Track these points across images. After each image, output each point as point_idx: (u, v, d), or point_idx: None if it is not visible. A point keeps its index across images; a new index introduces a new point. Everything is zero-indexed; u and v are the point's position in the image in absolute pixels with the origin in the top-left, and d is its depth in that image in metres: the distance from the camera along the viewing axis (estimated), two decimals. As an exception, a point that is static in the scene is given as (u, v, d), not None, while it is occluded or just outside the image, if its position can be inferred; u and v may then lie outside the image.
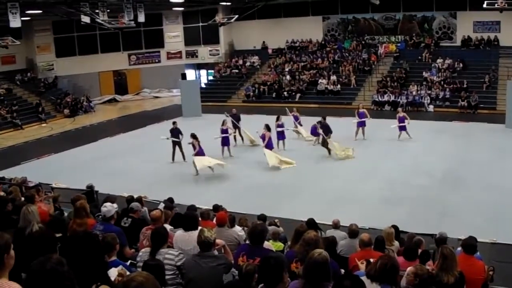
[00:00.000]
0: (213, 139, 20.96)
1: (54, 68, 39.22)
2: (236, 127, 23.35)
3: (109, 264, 5.28)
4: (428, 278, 5.75)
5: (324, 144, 21.19)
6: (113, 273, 4.77)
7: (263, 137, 20.24)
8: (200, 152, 18.99)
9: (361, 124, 23.39)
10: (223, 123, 21.86)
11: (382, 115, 29.47)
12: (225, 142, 21.57)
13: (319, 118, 22.25)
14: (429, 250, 8.53)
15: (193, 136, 19.16)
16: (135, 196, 12.24)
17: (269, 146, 20.12)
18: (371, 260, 5.93)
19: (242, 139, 23.64)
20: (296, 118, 24.35)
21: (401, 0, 36.39)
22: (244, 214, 12.54)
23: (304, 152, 21.77)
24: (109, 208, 7.65)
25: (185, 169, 19.75)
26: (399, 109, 23.65)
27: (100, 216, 8.11)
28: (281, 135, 22.22)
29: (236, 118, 23.89)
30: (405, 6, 36.46)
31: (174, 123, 21.49)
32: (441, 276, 5.93)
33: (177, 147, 20.81)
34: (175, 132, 20.95)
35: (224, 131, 21.51)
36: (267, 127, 20.47)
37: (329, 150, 21.01)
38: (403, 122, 22.73)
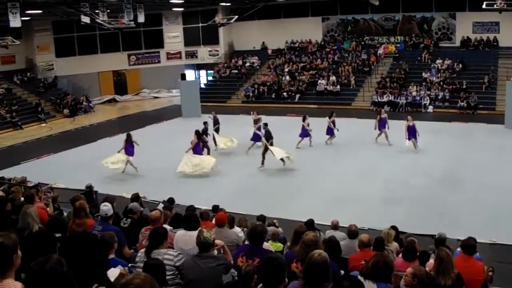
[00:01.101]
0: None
1: (53, 68, 39.26)
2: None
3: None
4: (427, 279, 5.75)
5: (265, 150, 20.02)
6: (112, 273, 4.76)
7: (191, 143, 20.01)
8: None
9: (383, 127, 22.82)
10: (257, 121, 22.23)
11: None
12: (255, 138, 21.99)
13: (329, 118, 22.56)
14: (429, 251, 8.53)
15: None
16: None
17: (195, 151, 19.91)
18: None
19: (216, 144, 22.72)
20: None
21: (400, 1, 36.43)
22: (244, 215, 12.52)
23: (304, 152, 21.76)
24: (109, 206, 7.76)
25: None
26: (409, 117, 22.24)
27: (99, 216, 8.14)
28: (304, 133, 22.58)
29: (215, 121, 23.88)
30: (404, 7, 36.47)
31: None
32: (438, 279, 5.93)
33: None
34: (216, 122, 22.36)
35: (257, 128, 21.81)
36: (197, 133, 20.41)
37: (263, 159, 20.01)
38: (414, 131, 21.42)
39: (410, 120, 21.52)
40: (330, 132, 22.94)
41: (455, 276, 5.97)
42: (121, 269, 5.04)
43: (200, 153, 20.18)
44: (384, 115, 23.13)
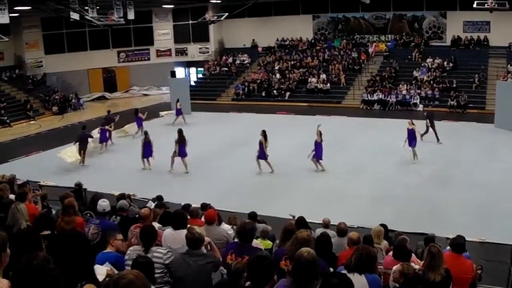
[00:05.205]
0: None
1: (43, 65, 38.98)
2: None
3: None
4: (414, 278, 5.78)
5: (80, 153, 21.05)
6: (100, 271, 4.73)
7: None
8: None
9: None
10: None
11: (372, 114, 29.59)
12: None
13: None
14: (418, 249, 8.54)
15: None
16: (125, 193, 12.25)
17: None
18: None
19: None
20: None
21: (391, 0, 36.48)
22: (233, 213, 12.51)
23: (294, 151, 21.75)
24: (107, 203, 8.04)
25: (174, 167, 19.67)
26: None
27: (88, 214, 8.15)
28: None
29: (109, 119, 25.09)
30: (395, 6, 36.53)
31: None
32: (428, 275, 5.94)
33: None
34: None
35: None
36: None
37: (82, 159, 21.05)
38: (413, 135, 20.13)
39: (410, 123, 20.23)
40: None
41: (444, 272, 5.98)
42: (108, 269, 5.01)
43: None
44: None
